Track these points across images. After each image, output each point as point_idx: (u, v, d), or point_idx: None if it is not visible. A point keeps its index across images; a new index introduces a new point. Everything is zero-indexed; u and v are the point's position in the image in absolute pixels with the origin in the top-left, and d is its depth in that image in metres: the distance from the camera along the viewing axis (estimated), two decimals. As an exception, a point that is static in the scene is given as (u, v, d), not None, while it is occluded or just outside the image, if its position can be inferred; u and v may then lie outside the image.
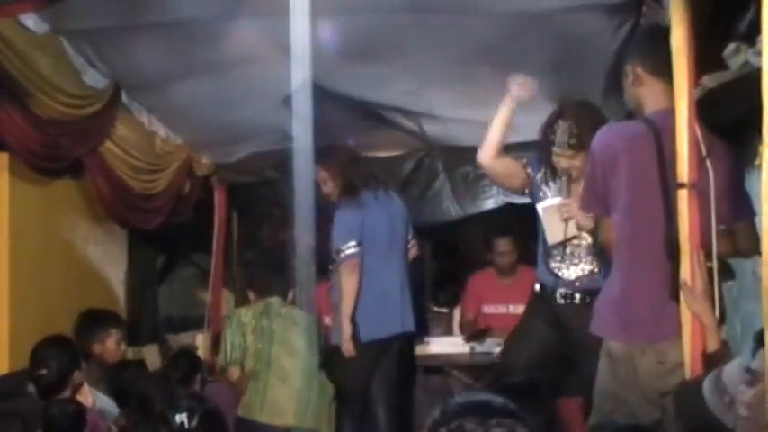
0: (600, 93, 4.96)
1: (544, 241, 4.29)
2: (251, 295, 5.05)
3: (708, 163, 2.78)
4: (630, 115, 4.05)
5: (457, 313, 6.59)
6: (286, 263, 5.79)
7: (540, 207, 4.22)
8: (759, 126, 1.67)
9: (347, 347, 4.85)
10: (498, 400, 1.67)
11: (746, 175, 3.18)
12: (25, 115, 4.05)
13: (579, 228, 3.99)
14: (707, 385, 2.31)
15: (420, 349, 5.60)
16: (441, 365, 5.75)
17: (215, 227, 6.73)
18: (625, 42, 4.18)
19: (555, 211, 4.11)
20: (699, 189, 2.73)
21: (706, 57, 2.80)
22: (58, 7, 3.86)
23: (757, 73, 1.69)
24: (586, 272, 4.16)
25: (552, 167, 4.17)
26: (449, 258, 7.80)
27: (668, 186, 2.87)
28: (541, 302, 4.34)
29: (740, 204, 3.07)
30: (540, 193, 4.27)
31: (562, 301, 4.21)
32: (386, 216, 4.99)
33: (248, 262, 7.23)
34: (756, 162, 1.81)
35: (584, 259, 4.16)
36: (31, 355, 3.96)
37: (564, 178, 4.09)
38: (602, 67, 4.56)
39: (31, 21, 4.03)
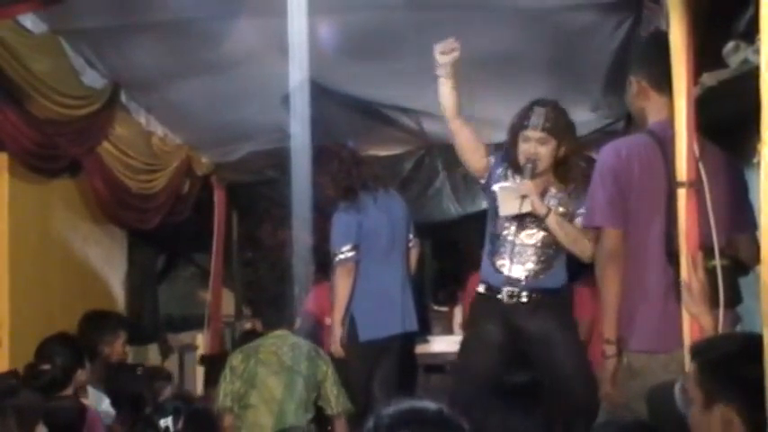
0: (599, 90, 4.97)
1: (491, 239, 4.26)
2: (257, 325, 5.01)
3: (700, 164, 2.77)
4: (630, 115, 4.07)
5: (457, 312, 6.58)
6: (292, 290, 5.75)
7: (497, 186, 4.15)
8: (758, 124, 1.66)
9: (336, 349, 4.86)
10: (432, 407, 1.64)
11: (748, 182, 3.17)
12: (22, 115, 4.04)
13: (534, 210, 3.99)
14: (678, 387, 2.32)
15: (420, 348, 5.60)
16: (441, 364, 5.75)
17: (215, 226, 6.73)
18: (625, 41, 4.19)
19: (512, 189, 4.08)
20: (698, 189, 2.73)
21: (705, 55, 2.80)
22: (57, 8, 3.86)
23: (756, 71, 1.68)
24: (532, 272, 4.14)
25: (515, 161, 4.12)
26: (449, 257, 7.79)
27: (674, 195, 2.86)
28: (487, 304, 4.24)
29: (742, 216, 3.07)
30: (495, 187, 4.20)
31: (508, 300, 4.14)
32: (386, 217, 4.97)
33: (248, 262, 7.25)
34: (755, 160, 1.81)
35: (530, 259, 4.14)
36: (36, 350, 3.98)
37: (529, 166, 4.04)
38: (601, 65, 4.56)
39: (29, 21, 4.03)
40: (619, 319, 3.23)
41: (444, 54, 4.02)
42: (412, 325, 4.98)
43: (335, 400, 4.61)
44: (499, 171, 4.20)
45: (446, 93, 4.16)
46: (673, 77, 2.71)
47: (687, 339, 2.74)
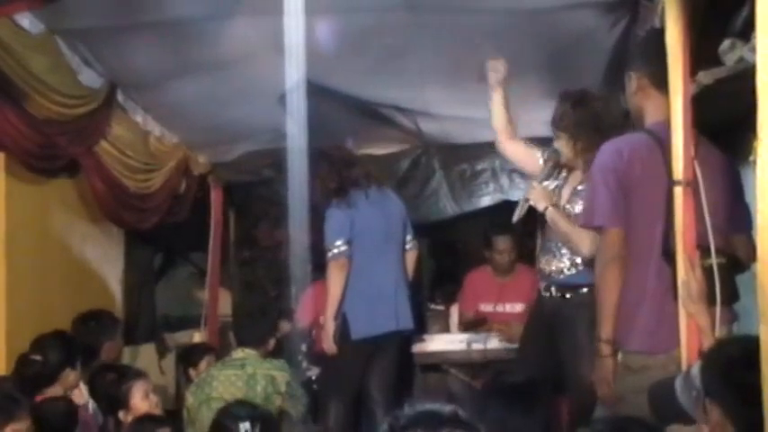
0: (596, 89, 4.97)
1: (540, 241, 4.32)
2: (233, 340, 4.95)
3: (696, 163, 2.77)
4: (627, 113, 4.07)
5: (453, 311, 6.58)
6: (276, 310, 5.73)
7: None
8: (754, 122, 1.67)
9: (328, 346, 4.86)
10: (447, 408, 1.65)
11: (743, 179, 3.17)
12: (21, 115, 4.04)
13: (536, 208, 4.08)
14: (678, 382, 2.34)
15: (417, 347, 5.60)
16: (438, 363, 5.75)
17: (212, 226, 6.73)
18: (621, 40, 4.19)
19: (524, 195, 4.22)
20: (695, 187, 2.73)
21: (701, 53, 2.80)
22: (54, 7, 3.86)
23: (752, 69, 1.69)
24: (558, 267, 4.17)
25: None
26: (446, 256, 7.80)
27: (672, 194, 2.86)
28: (536, 300, 4.38)
29: (739, 215, 3.07)
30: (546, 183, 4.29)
31: (546, 295, 4.24)
32: (379, 214, 4.98)
33: (245, 262, 7.25)
34: (751, 158, 1.81)
35: (563, 255, 4.15)
36: (31, 344, 4.02)
37: (550, 163, 4.17)
38: (598, 65, 4.57)
39: (26, 20, 4.03)
40: (616, 318, 3.23)
41: (495, 72, 4.19)
42: (407, 323, 4.98)
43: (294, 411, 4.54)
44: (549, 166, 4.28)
45: (496, 110, 4.31)
46: (669, 76, 2.72)
47: (684, 338, 2.75)
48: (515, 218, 4.15)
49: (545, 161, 4.16)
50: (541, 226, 4.24)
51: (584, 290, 4.05)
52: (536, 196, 4.08)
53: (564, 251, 4.13)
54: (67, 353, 4.03)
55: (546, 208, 4.04)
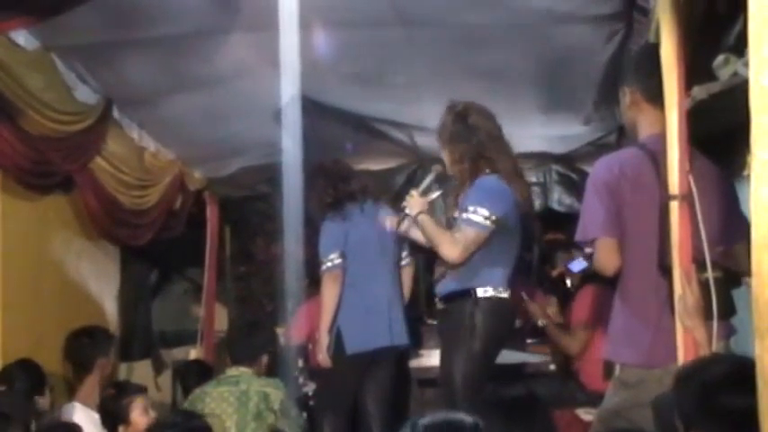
0: (591, 103, 4.98)
1: None
2: (226, 358, 4.93)
3: (691, 177, 2.77)
4: (622, 128, 4.08)
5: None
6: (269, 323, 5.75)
7: None
8: (748, 137, 1.67)
9: (323, 359, 4.85)
10: (469, 419, 1.64)
11: (738, 193, 3.18)
12: (15, 131, 4.04)
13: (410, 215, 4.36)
14: None
15: (414, 362, 5.58)
16: (435, 378, 5.73)
17: (208, 241, 6.72)
18: (616, 54, 4.20)
19: None
20: (690, 201, 2.73)
21: (696, 68, 2.81)
22: (49, 24, 3.86)
23: (746, 84, 1.69)
24: (437, 277, 4.36)
25: None
26: (442, 270, 7.77)
27: (666, 209, 2.85)
28: None
29: (737, 227, 3.07)
30: None
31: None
32: (374, 229, 4.97)
33: (241, 277, 7.23)
34: (745, 172, 1.82)
35: (441, 264, 4.32)
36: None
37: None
38: (593, 79, 4.58)
39: (21, 37, 4.04)
40: (612, 334, 3.23)
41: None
42: (401, 338, 4.96)
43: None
44: None
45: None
46: (664, 90, 2.72)
47: (681, 352, 2.74)
48: (402, 229, 4.52)
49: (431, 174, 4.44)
50: None
51: (447, 298, 4.31)
52: (411, 204, 4.33)
53: (438, 262, 4.32)
54: (34, 381, 4.02)
55: (418, 214, 4.28)
